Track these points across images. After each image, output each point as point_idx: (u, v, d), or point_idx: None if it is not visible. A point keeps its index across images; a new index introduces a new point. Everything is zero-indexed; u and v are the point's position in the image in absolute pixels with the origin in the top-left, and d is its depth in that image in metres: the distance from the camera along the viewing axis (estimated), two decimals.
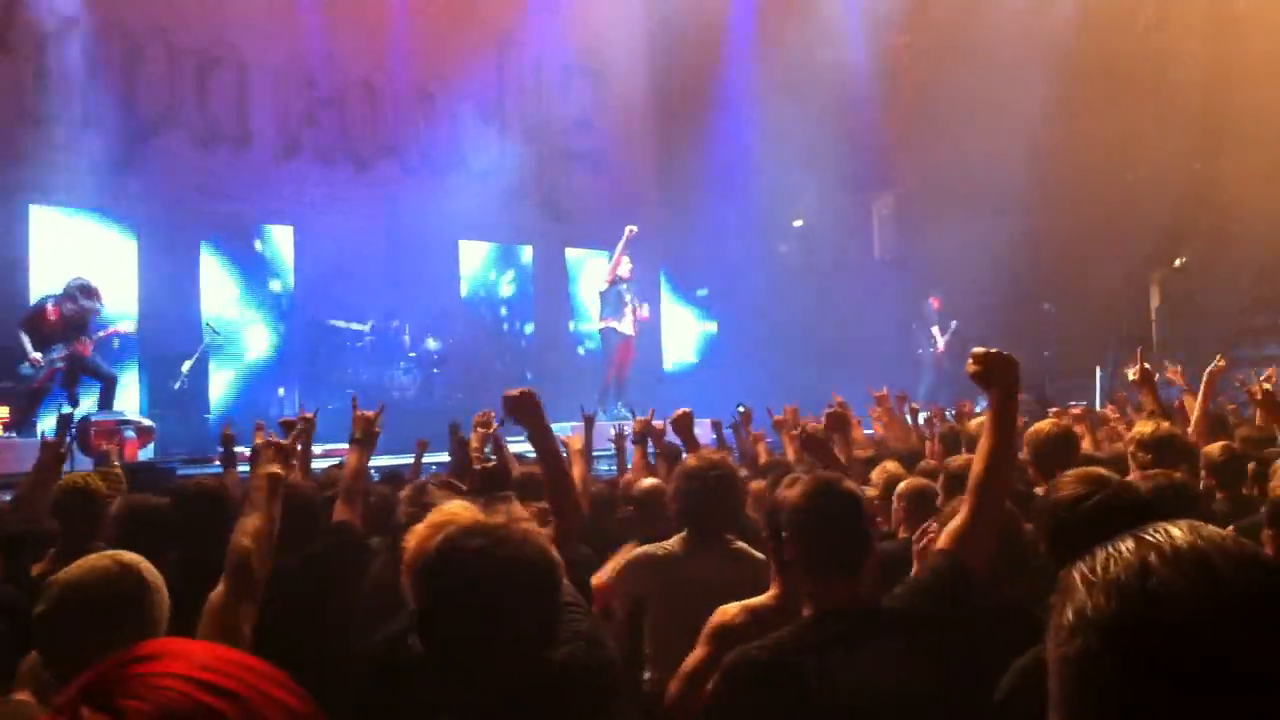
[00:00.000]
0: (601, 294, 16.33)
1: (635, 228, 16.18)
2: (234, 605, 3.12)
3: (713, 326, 21.13)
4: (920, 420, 10.15)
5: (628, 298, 16.12)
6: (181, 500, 4.56)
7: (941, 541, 3.20)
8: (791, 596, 3.27)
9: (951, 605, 3.03)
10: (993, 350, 3.34)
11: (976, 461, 3.25)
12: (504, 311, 18.93)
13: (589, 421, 7.64)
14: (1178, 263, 18.81)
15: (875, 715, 2.83)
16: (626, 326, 16.04)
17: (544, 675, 2.41)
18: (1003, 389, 3.29)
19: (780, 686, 2.84)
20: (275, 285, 16.41)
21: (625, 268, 16.18)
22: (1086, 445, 6.62)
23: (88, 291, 12.59)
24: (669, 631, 4.07)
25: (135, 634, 2.21)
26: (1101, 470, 3.29)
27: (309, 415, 6.23)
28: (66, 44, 14.35)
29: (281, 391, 15.62)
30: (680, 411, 5.86)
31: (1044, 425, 5.33)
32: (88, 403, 12.69)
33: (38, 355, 12.18)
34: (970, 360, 3.35)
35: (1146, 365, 7.14)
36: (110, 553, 2.98)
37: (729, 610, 3.53)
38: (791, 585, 3.27)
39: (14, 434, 11.57)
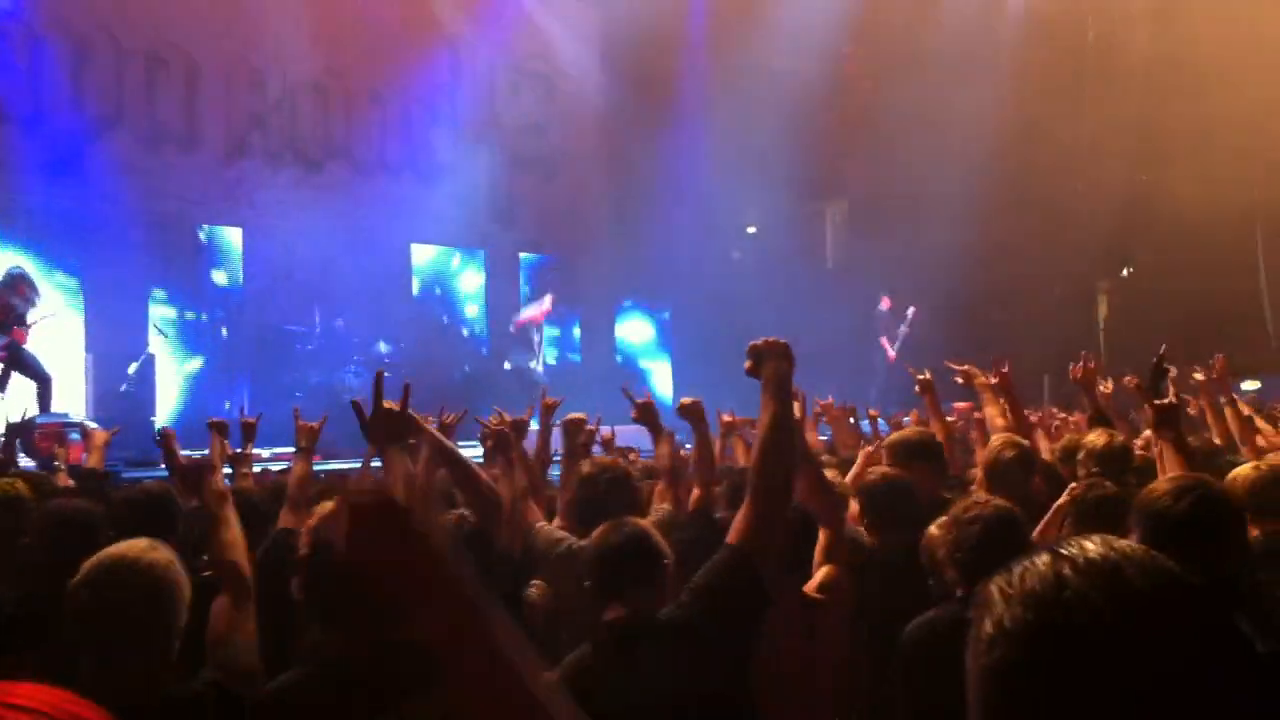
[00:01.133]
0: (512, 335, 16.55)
1: (552, 299, 16.48)
2: (238, 611, 3.27)
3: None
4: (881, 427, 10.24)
5: (536, 338, 16.38)
6: (127, 505, 4.51)
7: (730, 535, 3.22)
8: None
9: (733, 600, 3.07)
10: (765, 340, 3.31)
11: (754, 448, 3.26)
12: (455, 316, 18.85)
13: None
14: (1126, 271, 19.02)
15: None
16: (539, 365, 16.27)
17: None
18: (774, 376, 3.26)
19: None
20: (223, 286, 16.24)
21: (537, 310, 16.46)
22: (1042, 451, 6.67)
23: (25, 282, 12.43)
24: None
25: None
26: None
27: (251, 421, 6.32)
28: (12, 42, 14.16)
29: (228, 405, 15.46)
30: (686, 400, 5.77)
31: (995, 441, 5.36)
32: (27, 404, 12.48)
33: None
34: (747, 355, 3.34)
35: (1090, 368, 7.20)
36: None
37: None
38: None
39: None
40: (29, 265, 13.38)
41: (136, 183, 15.31)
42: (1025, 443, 5.44)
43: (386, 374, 3.73)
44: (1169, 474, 4.02)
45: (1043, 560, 1.28)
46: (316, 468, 6.31)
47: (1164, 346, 7.26)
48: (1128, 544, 1.30)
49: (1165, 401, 4.48)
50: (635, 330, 21.13)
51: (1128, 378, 7.94)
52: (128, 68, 15.52)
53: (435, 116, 18.41)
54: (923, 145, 19.23)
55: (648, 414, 5.91)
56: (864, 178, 21.24)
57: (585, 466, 4.99)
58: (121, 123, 15.52)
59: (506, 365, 16.58)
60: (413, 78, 17.94)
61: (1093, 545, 1.28)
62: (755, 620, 3.11)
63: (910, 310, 18.36)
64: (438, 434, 4.38)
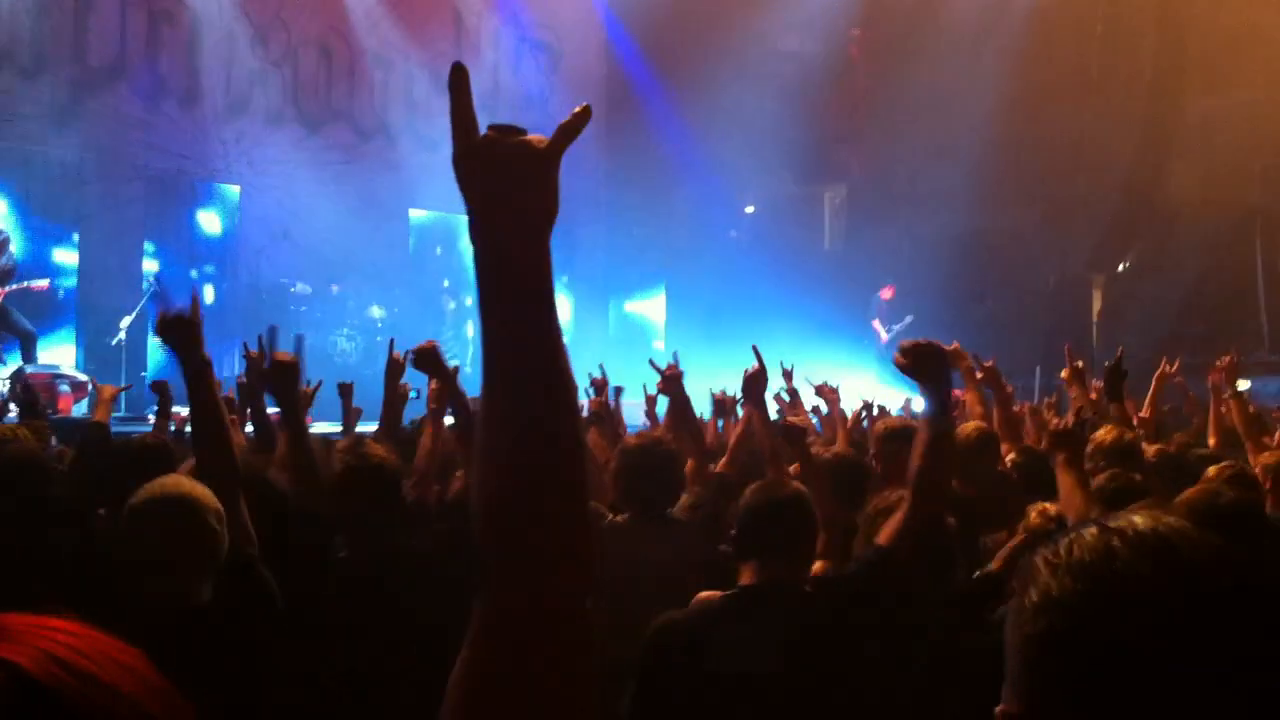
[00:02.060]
0: None
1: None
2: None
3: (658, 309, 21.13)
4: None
5: None
6: (127, 455, 4.51)
7: (880, 537, 3.23)
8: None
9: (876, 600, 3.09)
10: (920, 341, 3.32)
11: (914, 457, 3.27)
12: (449, 282, 18.81)
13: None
14: (1122, 266, 19.03)
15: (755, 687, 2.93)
16: None
17: None
18: (932, 381, 3.30)
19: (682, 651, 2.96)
20: (219, 243, 16.20)
21: None
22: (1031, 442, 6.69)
23: (3, 243, 12.45)
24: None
25: None
26: None
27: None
28: None
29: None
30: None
31: (965, 427, 5.37)
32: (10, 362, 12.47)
33: None
34: (898, 353, 3.36)
35: (1077, 364, 7.23)
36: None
37: None
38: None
39: None
40: (20, 216, 13.35)
41: (136, 136, 15.28)
42: (987, 428, 5.52)
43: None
44: (1066, 497, 4.04)
45: (1090, 532, 1.29)
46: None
47: (1120, 349, 7.30)
48: (1175, 519, 1.30)
49: (1064, 426, 4.45)
50: (632, 307, 21.10)
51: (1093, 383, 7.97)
52: (131, 20, 15.44)
53: (437, 82, 18.31)
54: (924, 132, 19.22)
55: (673, 386, 5.86)
56: (864, 163, 21.20)
57: (631, 439, 4.96)
58: (123, 75, 15.44)
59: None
60: (416, 42, 17.87)
61: (1141, 519, 1.29)
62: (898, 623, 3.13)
63: (908, 318, 18.30)
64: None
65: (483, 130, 1.43)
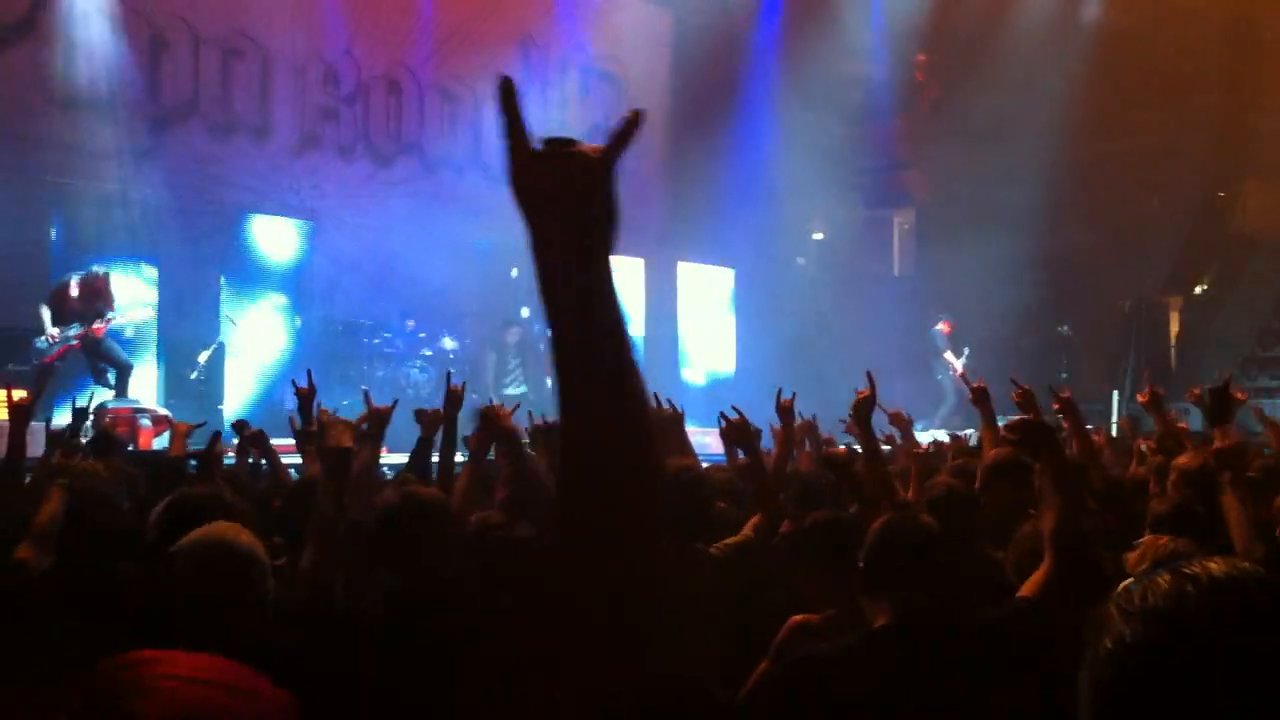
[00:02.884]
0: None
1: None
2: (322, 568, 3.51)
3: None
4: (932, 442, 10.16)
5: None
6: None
7: (1024, 589, 3.30)
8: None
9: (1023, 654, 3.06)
10: (1021, 420, 3.53)
11: (1046, 519, 3.35)
12: (521, 314, 18.87)
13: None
14: (1200, 288, 18.75)
15: None
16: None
17: None
18: (1046, 450, 3.40)
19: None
20: (292, 278, 16.40)
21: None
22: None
23: (105, 283, 12.78)
24: None
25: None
26: None
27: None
28: (93, 30, 14.37)
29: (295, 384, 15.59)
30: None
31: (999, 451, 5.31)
32: (105, 392, 12.70)
33: (54, 330, 12.37)
34: (1005, 433, 3.55)
35: (1157, 389, 7.14)
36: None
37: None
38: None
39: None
40: (99, 252, 13.62)
41: (210, 172, 15.52)
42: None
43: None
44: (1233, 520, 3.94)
45: (1164, 578, 1.27)
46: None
47: (1228, 373, 7.20)
48: (1251, 565, 1.28)
49: (1227, 444, 4.36)
50: (698, 332, 21.07)
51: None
52: (204, 58, 15.71)
53: None
54: (992, 154, 19.10)
55: (739, 434, 5.61)
56: (932, 186, 21.10)
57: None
58: (196, 112, 15.70)
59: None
60: (483, 74, 18.01)
61: (1216, 565, 1.26)
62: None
63: (966, 350, 18.10)
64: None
65: (535, 145, 1.42)
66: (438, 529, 3.95)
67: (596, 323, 1.37)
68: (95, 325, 12.58)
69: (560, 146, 1.41)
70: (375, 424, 5.51)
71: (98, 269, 12.92)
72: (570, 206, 1.39)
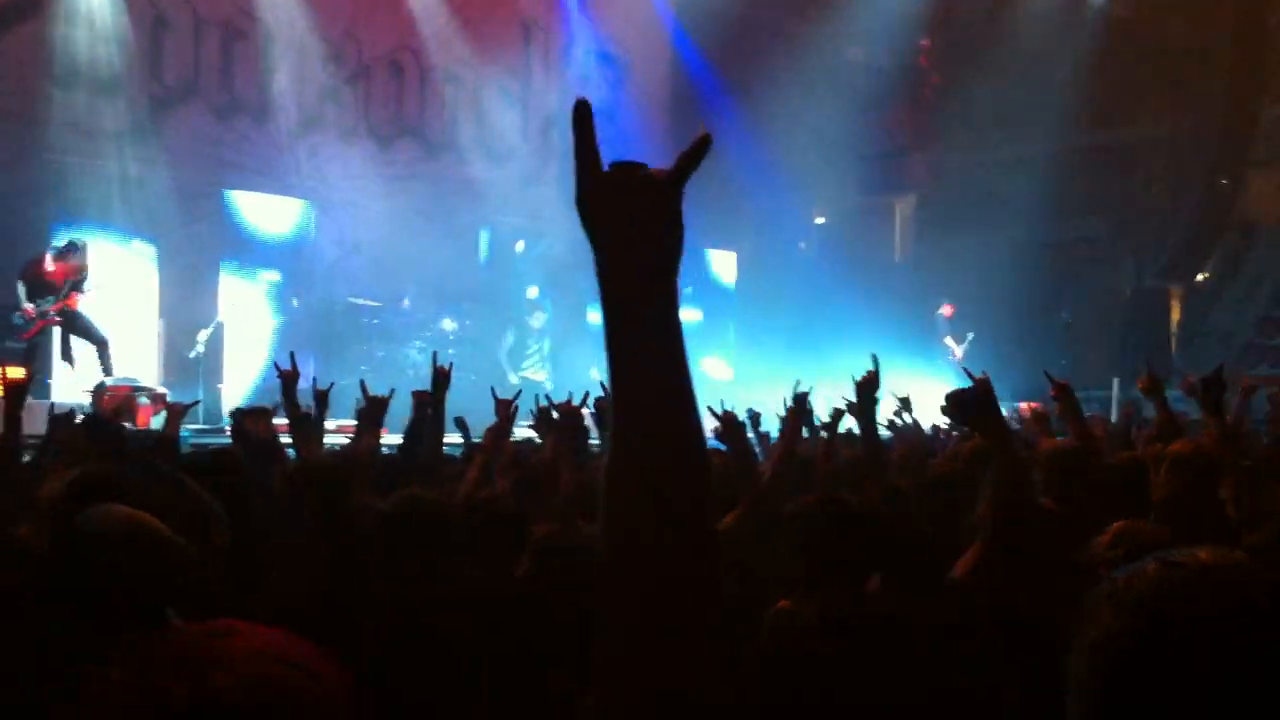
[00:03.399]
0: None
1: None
2: None
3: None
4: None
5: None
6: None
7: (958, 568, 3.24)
8: None
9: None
10: (952, 392, 3.40)
11: (984, 499, 3.32)
12: (522, 295, 18.87)
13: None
14: (1201, 277, 18.74)
15: None
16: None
17: None
18: (980, 420, 3.35)
19: None
20: (292, 258, 16.39)
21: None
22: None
23: (80, 253, 12.59)
24: None
25: None
26: None
27: (324, 390, 6.25)
28: (95, 10, 14.35)
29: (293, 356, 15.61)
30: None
31: (1057, 443, 5.28)
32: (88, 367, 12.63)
33: (30, 306, 12.18)
34: (944, 405, 3.44)
35: (1156, 375, 7.11)
36: None
37: None
38: None
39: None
40: (100, 231, 13.59)
41: (210, 152, 15.52)
42: (1079, 444, 5.41)
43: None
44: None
45: (1151, 568, 1.26)
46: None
47: (1220, 363, 7.17)
48: (1239, 554, 1.28)
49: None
50: (699, 318, 21.05)
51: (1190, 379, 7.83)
52: (205, 39, 15.68)
53: (506, 96, 18.46)
54: (995, 141, 19.08)
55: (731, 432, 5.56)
56: (935, 172, 21.06)
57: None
58: (197, 93, 15.69)
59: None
60: (486, 56, 18.00)
61: (1204, 554, 1.26)
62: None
63: (969, 335, 18.05)
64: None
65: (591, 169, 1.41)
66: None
67: (659, 355, 1.33)
68: (70, 296, 12.41)
69: (630, 169, 1.40)
70: (373, 412, 5.54)
71: (76, 240, 12.70)
72: (641, 229, 1.37)
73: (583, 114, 1.39)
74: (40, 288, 12.34)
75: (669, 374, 1.33)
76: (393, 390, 5.99)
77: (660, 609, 1.28)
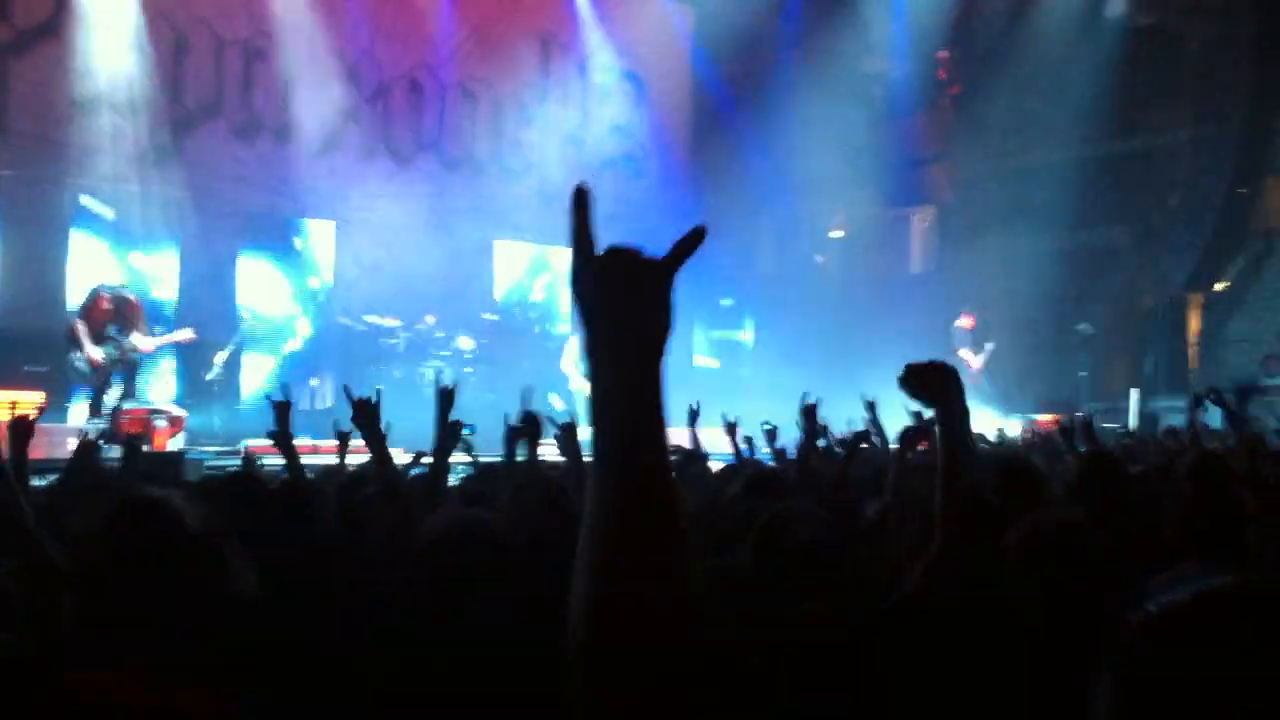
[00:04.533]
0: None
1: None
2: None
3: (743, 336, 21.08)
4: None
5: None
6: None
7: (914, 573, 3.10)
8: None
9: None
10: (920, 363, 3.14)
11: (936, 489, 3.09)
12: (539, 313, 18.93)
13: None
14: (1220, 285, 18.63)
15: None
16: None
17: None
18: (940, 402, 3.12)
19: None
20: (313, 280, 16.49)
21: None
22: None
23: (138, 307, 12.58)
24: None
25: None
26: None
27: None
28: (115, 33, 14.47)
29: (315, 382, 15.70)
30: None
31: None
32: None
33: (98, 354, 12.01)
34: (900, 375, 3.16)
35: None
36: None
37: None
38: None
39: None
40: (120, 253, 13.67)
41: (231, 173, 15.62)
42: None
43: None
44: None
45: (1187, 599, 1.29)
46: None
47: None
48: (1263, 578, 1.29)
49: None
50: (718, 332, 21.06)
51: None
52: (226, 59, 15.81)
53: (525, 114, 18.53)
54: (1013, 152, 19.05)
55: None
56: (953, 184, 21.03)
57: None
58: (219, 113, 15.81)
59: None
60: (505, 75, 18.11)
61: (1231, 582, 1.29)
62: None
63: (989, 345, 17.92)
64: None
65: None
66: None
67: (638, 431, 1.37)
68: (143, 342, 12.33)
69: (623, 254, 1.44)
70: (364, 418, 5.37)
71: (129, 294, 12.68)
72: (633, 310, 1.41)
73: (581, 199, 1.44)
74: (95, 329, 12.14)
75: (651, 449, 1.37)
76: (379, 389, 5.78)
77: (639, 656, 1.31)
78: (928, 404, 3.16)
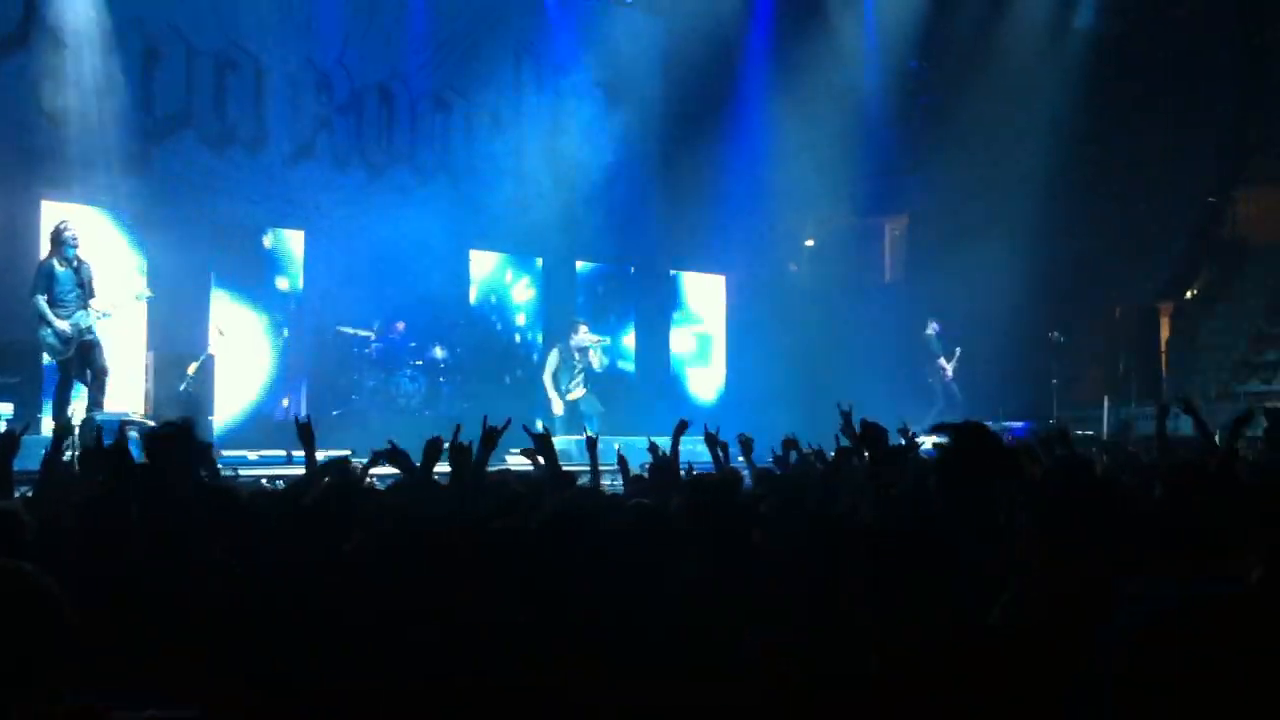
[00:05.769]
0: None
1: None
2: None
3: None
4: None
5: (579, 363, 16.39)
6: None
7: None
8: None
9: None
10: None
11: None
12: (512, 322, 18.93)
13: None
14: (1190, 294, 18.77)
15: None
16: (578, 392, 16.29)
17: None
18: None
19: None
20: (284, 288, 16.43)
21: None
22: None
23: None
24: None
25: None
26: None
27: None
28: (84, 43, 14.39)
29: (286, 402, 15.67)
30: None
31: None
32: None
33: (65, 325, 11.94)
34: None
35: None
36: None
37: None
38: None
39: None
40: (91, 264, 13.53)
41: (203, 183, 15.54)
42: None
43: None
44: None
45: (1175, 604, 1.31)
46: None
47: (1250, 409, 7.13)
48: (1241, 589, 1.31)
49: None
50: (688, 340, 21.10)
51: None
52: (196, 69, 15.74)
53: (499, 123, 18.53)
54: (985, 161, 19.15)
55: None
56: (925, 193, 21.13)
57: None
58: (189, 123, 15.73)
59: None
60: (477, 84, 18.11)
61: (1209, 591, 1.33)
62: None
63: (957, 350, 18.05)
64: None
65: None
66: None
67: None
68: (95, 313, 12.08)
69: None
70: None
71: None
72: None
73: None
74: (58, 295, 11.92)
75: None
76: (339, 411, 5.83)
77: None
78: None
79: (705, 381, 20.75)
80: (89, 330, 12.06)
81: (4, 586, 2.35)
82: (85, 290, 12.12)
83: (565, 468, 6.67)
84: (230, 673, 3.25)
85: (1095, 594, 2.74)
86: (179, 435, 5.05)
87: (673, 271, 20.55)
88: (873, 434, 5.15)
